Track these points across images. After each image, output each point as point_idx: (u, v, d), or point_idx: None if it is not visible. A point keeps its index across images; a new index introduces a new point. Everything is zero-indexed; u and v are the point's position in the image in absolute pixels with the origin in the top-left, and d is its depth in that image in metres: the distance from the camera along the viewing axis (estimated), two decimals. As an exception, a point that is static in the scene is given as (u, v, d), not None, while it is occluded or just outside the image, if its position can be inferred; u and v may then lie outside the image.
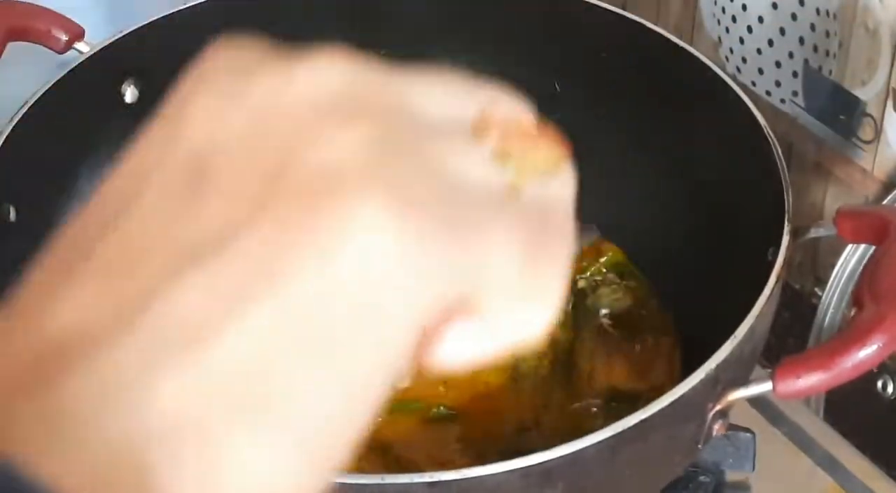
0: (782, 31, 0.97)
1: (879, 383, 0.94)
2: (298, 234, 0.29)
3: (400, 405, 0.79)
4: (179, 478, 0.27)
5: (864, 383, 0.89)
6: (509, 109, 0.36)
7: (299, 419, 0.29)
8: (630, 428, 0.63)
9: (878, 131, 0.93)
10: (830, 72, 0.94)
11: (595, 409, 0.78)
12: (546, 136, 0.37)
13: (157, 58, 0.87)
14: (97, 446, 0.27)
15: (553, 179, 0.36)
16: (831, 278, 0.93)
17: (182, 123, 0.32)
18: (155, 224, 0.30)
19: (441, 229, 0.30)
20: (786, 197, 0.74)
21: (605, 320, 0.85)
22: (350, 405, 0.30)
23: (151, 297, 0.28)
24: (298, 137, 0.30)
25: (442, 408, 0.79)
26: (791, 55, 0.97)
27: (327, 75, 0.32)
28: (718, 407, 0.67)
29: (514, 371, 0.81)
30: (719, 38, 1.03)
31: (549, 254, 0.33)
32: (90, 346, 0.28)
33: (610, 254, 0.89)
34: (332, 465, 0.30)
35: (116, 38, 0.85)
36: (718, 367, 0.65)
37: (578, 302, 0.86)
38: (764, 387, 0.67)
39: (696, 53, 0.84)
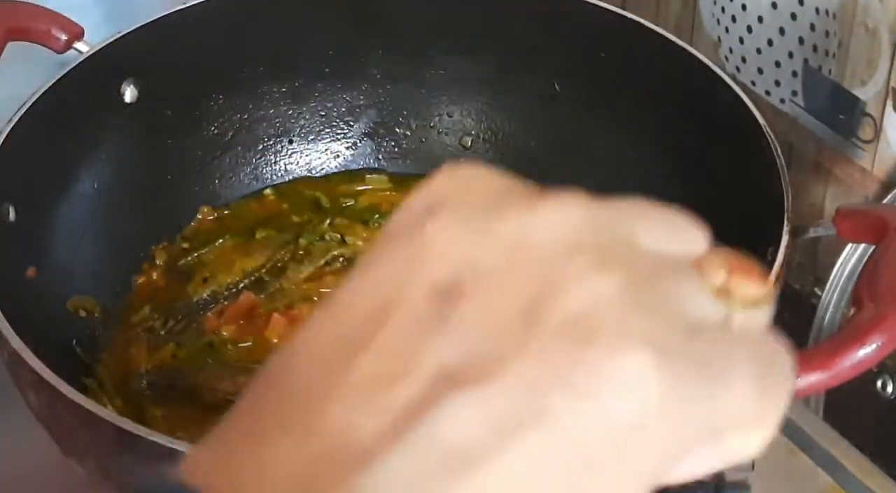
0: (782, 31, 0.97)
1: (879, 383, 0.94)
2: (562, 375, 0.30)
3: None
4: None
5: (863, 382, 0.89)
6: (716, 245, 0.38)
7: None
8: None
9: (878, 131, 0.93)
10: (830, 71, 0.94)
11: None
12: (758, 271, 0.37)
13: (156, 58, 0.87)
14: None
15: (758, 310, 0.36)
16: (831, 278, 0.93)
17: (427, 246, 0.33)
18: (408, 345, 0.31)
19: (691, 376, 0.32)
20: (785, 197, 0.74)
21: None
22: None
23: (417, 418, 0.30)
24: (552, 277, 0.32)
25: None
26: (791, 55, 0.97)
27: (569, 215, 0.34)
28: (718, 407, 0.67)
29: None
30: (719, 38, 1.03)
31: (777, 384, 0.35)
32: (362, 457, 0.30)
33: None
34: None
35: (116, 38, 0.85)
36: (718, 366, 0.65)
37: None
38: (763, 387, 0.66)
39: (696, 53, 0.84)
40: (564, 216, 0.34)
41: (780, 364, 0.35)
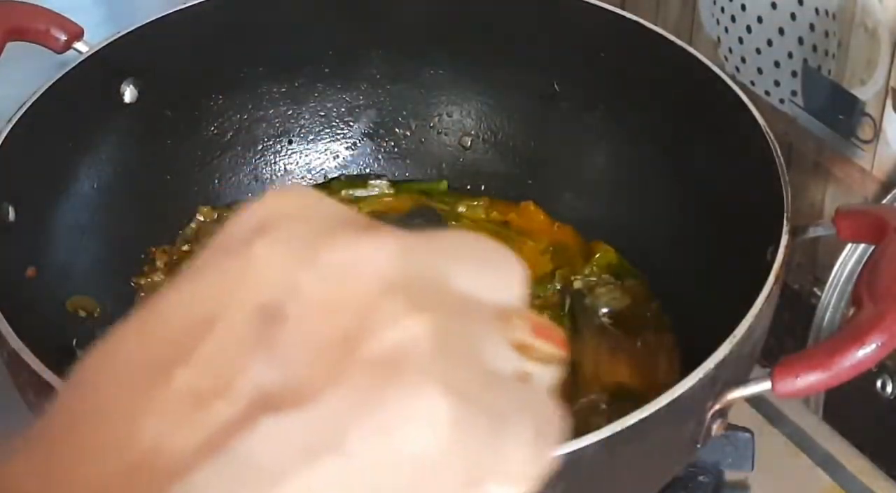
0: (781, 31, 0.97)
1: (879, 383, 0.94)
2: (366, 409, 0.32)
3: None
4: None
5: (863, 382, 0.89)
6: (512, 292, 0.39)
7: None
8: (629, 428, 0.63)
9: (878, 131, 0.93)
10: (829, 71, 0.95)
11: (603, 406, 0.78)
12: (559, 334, 0.40)
13: (156, 58, 0.87)
14: None
15: (548, 370, 0.39)
16: (830, 278, 0.93)
17: (253, 265, 0.34)
18: (228, 363, 0.32)
19: (481, 419, 0.34)
20: (785, 196, 0.74)
21: (606, 319, 0.85)
22: None
23: (230, 438, 0.31)
24: (369, 313, 0.33)
25: None
26: (790, 55, 0.97)
27: (390, 251, 0.35)
28: (717, 407, 0.67)
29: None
30: (718, 38, 1.03)
31: (548, 445, 0.37)
32: (174, 472, 0.31)
33: (600, 254, 0.89)
34: None
35: (116, 38, 0.85)
36: (717, 366, 0.65)
37: (576, 303, 0.86)
38: (763, 386, 0.67)
39: (696, 53, 0.84)
40: (386, 252, 0.35)
41: (553, 426, 0.37)
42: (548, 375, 0.38)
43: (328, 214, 0.36)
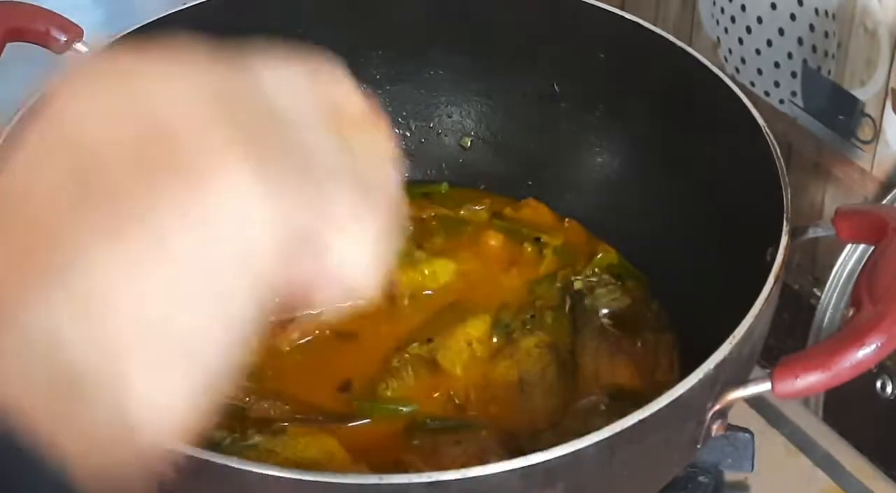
0: (781, 32, 0.97)
1: (878, 384, 0.94)
2: (178, 212, 0.36)
3: (389, 406, 0.79)
4: (99, 406, 0.35)
5: (862, 383, 0.89)
6: (345, 93, 0.44)
7: (195, 353, 0.37)
8: (629, 428, 0.63)
9: (877, 131, 0.93)
10: (829, 72, 0.95)
11: (603, 406, 0.78)
12: (383, 127, 0.45)
13: (156, 58, 0.87)
14: (35, 373, 0.35)
15: (385, 161, 0.44)
16: (830, 279, 0.93)
17: (62, 129, 0.37)
18: (54, 207, 0.36)
19: (291, 177, 0.38)
20: (784, 197, 0.74)
21: (606, 320, 0.85)
22: (234, 333, 0.38)
23: (64, 269, 0.35)
24: (169, 130, 0.37)
25: (431, 420, 0.79)
26: (790, 55, 0.97)
27: (187, 69, 0.38)
28: (717, 407, 0.67)
29: (521, 383, 0.81)
30: (718, 39, 1.03)
31: (378, 214, 0.42)
32: (14, 304, 0.35)
33: (601, 254, 0.89)
34: (221, 381, 0.38)
35: (116, 38, 0.85)
36: (717, 367, 0.66)
37: (576, 303, 0.86)
38: (763, 387, 0.67)
39: (695, 54, 0.84)
40: (185, 69, 0.38)
41: (384, 199, 0.43)
42: (385, 164, 0.44)
43: (125, 66, 0.39)
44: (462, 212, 0.92)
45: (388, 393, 0.80)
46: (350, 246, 0.41)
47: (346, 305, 0.42)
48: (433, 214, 0.92)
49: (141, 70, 0.38)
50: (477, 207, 0.92)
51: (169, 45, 0.39)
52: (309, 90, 0.42)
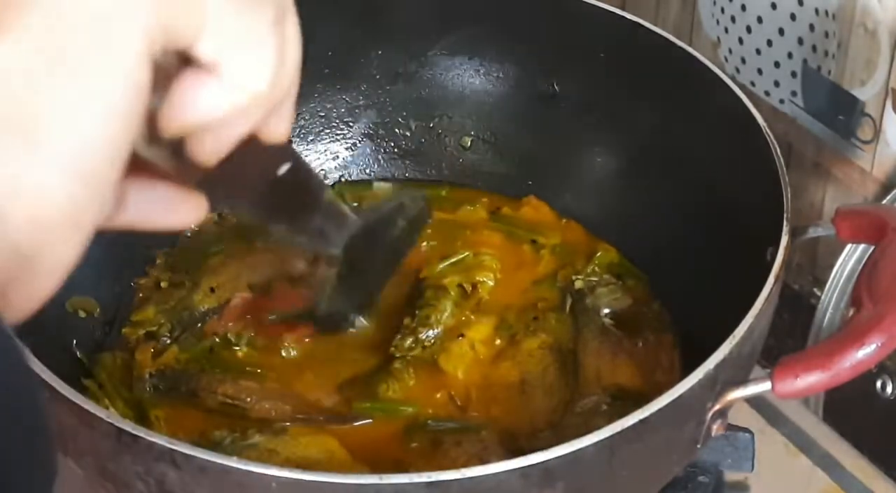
0: (781, 32, 0.97)
1: (878, 384, 0.94)
2: None
3: (395, 407, 0.79)
4: None
5: (862, 383, 0.89)
6: None
7: (59, 137, 0.34)
8: (629, 428, 0.63)
9: (877, 131, 0.93)
10: (829, 72, 0.95)
11: (604, 406, 0.78)
12: None
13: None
14: None
15: None
16: (830, 278, 0.93)
17: None
18: None
19: None
20: (785, 197, 0.74)
21: (607, 320, 0.85)
22: (104, 128, 0.35)
23: None
24: None
25: (431, 421, 0.79)
26: (790, 55, 0.97)
27: None
28: (717, 407, 0.67)
29: (522, 383, 0.81)
30: (718, 39, 1.03)
31: (259, 5, 0.38)
32: None
33: (601, 254, 0.89)
34: (99, 190, 0.35)
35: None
36: (717, 367, 0.66)
37: (576, 303, 0.86)
38: (763, 387, 0.67)
39: (695, 54, 0.84)
40: None
41: None
42: None
43: None
44: (460, 213, 0.92)
45: (389, 394, 0.80)
46: (231, 50, 0.38)
47: (234, 128, 0.39)
48: (436, 219, 0.92)
49: None
50: (475, 207, 0.92)
51: None
52: None
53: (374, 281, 0.68)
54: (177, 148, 0.41)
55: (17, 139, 0.33)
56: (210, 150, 0.40)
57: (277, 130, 0.43)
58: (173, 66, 0.39)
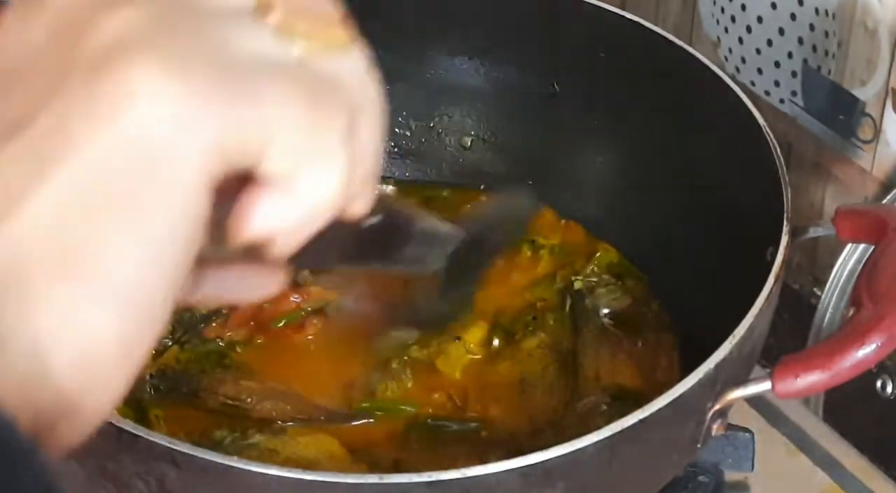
0: (781, 31, 0.97)
1: (878, 383, 0.94)
2: (84, 107, 0.33)
3: (395, 406, 0.79)
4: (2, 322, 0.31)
5: (863, 382, 0.89)
6: None
7: (111, 273, 0.33)
8: (629, 428, 0.63)
9: (878, 131, 0.93)
10: (829, 72, 0.95)
11: (604, 406, 0.78)
12: (332, 15, 0.40)
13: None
14: None
15: (343, 57, 0.38)
16: (830, 278, 0.93)
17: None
18: None
19: (214, 86, 0.33)
20: (785, 197, 0.74)
21: (606, 320, 0.85)
22: (157, 260, 0.33)
23: None
24: (81, 24, 0.34)
25: (430, 421, 0.79)
26: (790, 55, 0.97)
27: None
28: (717, 407, 0.67)
29: (522, 383, 0.81)
30: (718, 38, 1.03)
31: (329, 115, 0.36)
32: None
33: (601, 253, 0.89)
34: (152, 321, 0.33)
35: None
36: (717, 366, 0.66)
37: (576, 303, 0.86)
38: (763, 386, 0.67)
39: (696, 53, 0.84)
40: None
41: (338, 102, 0.36)
42: (344, 60, 0.38)
43: None
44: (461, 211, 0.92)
45: (388, 394, 0.80)
46: (298, 166, 0.35)
47: (304, 232, 0.36)
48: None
49: None
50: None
51: None
52: None
53: (476, 277, 0.67)
54: (248, 249, 0.38)
55: (63, 280, 0.32)
56: (282, 249, 0.37)
57: (356, 210, 0.39)
58: (237, 177, 0.36)
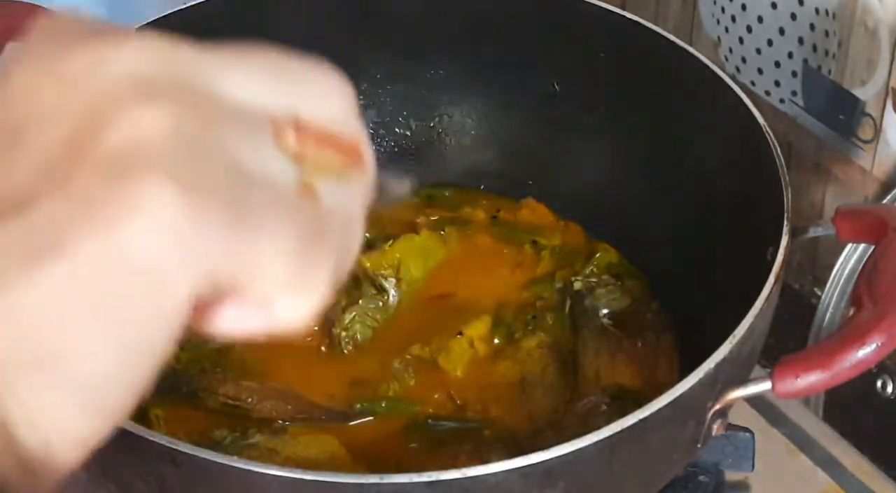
0: (781, 31, 0.97)
1: (879, 383, 0.94)
2: (86, 210, 0.32)
3: (396, 406, 0.79)
4: None
5: (863, 382, 0.90)
6: (318, 106, 0.38)
7: (80, 369, 0.33)
8: (629, 428, 0.63)
9: (878, 131, 0.93)
10: (830, 71, 0.95)
11: (604, 407, 0.78)
12: (345, 142, 0.38)
13: (156, 58, 0.87)
14: None
15: (347, 185, 0.38)
16: (830, 278, 0.93)
17: (7, 90, 0.34)
18: None
19: (220, 215, 0.33)
20: (785, 196, 0.74)
21: (606, 320, 0.85)
22: (128, 366, 0.34)
23: None
24: (103, 113, 0.33)
25: (430, 421, 0.79)
26: (790, 55, 0.97)
27: (139, 54, 0.34)
28: (717, 407, 0.67)
29: (522, 383, 0.81)
30: (718, 38, 1.03)
31: (320, 253, 0.36)
32: None
33: (600, 254, 0.89)
34: (112, 418, 0.34)
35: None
36: (717, 366, 0.66)
37: (576, 303, 0.86)
38: (763, 386, 0.67)
39: (696, 53, 0.84)
40: (138, 54, 0.34)
41: (332, 236, 0.36)
42: (346, 189, 0.37)
43: (83, 29, 0.35)
44: (462, 214, 0.92)
45: (390, 393, 0.80)
46: (278, 294, 0.36)
47: (273, 330, 0.37)
48: (435, 217, 0.92)
49: (85, 44, 0.34)
50: (475, 210, 0.92)
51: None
52: (275, 91, 0.36)
53: None
54: None
55: (34, 369, 0.32)
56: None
57: None
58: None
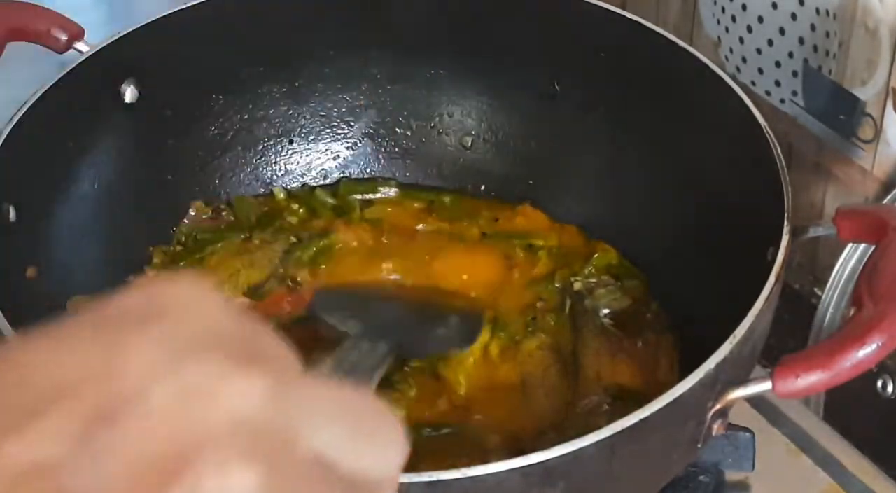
0: (782, 31, 0.97)
1: (879, 383, 0.94)
2: None
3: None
4: None
5: (863, 382, 0.89)
6: (373, 464, 0.37)
7: None
8: (629, 428, 0.63)
9: (878, 131, 0.93)
10: (830, 71, 0.95)
11: (605, 407, 0.78)
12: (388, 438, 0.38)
13: (156, 58, 0.87)
14: None
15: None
16: (831, 278, 0.93)
17: (121, 358, 0.33)
18: (51, 448, 0.31)
19: None
20: (785, 196, 0.74)
21: (606, 320, 0.85)
22: None
23: None
24: (202, 449, 0.32)
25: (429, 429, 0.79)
26: (791, 55, 0.97)
27: (253, 393, 0.33)
28: (718, 407, 0.67)
29: (523, 385, 0.81)
30: (719, 38, 1.03)
31: None
32: None
33: (600, 254, 0.88)
34: None
35: (116, 38, 0.85)
36: (718, 366, 0.66)
37: (576, 304, 0.86)
38: (763, 386, 0.67)
39: (696, 53, 0.84)
40: (250, 393, 0.33)
41: None
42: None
43: (215, 319, 0.34)
44: (457, 228, 0.92)
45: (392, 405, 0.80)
46: None
47: None
48: (433, 228, 0.91)
49: (221, 349, 0.34)
50: (470, 225, 0.92)
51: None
52: (345, 448, 0.36)
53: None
54: None
55: None
56: None
57: None
58: None
